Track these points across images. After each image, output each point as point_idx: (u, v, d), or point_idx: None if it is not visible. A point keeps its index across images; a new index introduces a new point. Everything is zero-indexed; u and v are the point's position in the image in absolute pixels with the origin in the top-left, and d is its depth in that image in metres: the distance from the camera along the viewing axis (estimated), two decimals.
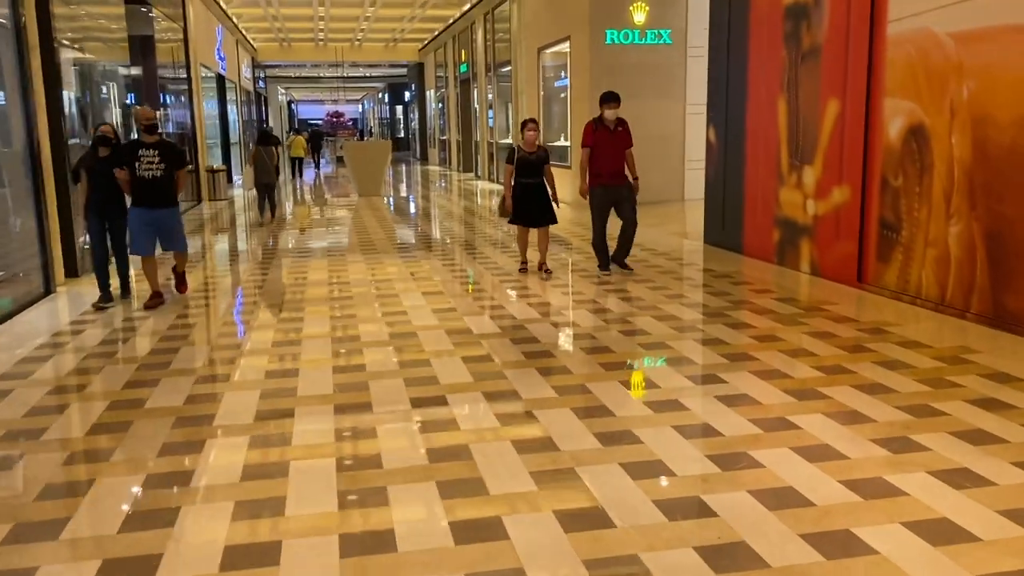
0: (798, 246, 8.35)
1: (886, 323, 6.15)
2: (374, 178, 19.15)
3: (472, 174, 25.63)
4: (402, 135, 48.50)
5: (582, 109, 14.78)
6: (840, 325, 6.11)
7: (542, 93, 18.00)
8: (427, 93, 35.40)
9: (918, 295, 6.73)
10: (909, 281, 6.84)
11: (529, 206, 8.26)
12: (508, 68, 20.54)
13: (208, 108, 22.12)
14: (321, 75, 44.94)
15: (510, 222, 8.49)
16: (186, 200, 17.48)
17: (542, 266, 8.44)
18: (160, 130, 8.42)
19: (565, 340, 5.92)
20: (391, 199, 18.69)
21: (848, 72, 7.48)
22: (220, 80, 23.29)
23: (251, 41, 31.33)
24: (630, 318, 6.51)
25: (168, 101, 18.06)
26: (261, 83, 39.77)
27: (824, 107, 7.83)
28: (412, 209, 17.02)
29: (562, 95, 17.57)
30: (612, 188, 8.18)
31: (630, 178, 8.26)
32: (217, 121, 23.20)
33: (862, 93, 7.28)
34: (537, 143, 8.28)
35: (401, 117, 49.67)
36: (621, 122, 8.23)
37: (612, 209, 8.30)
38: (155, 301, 7.32)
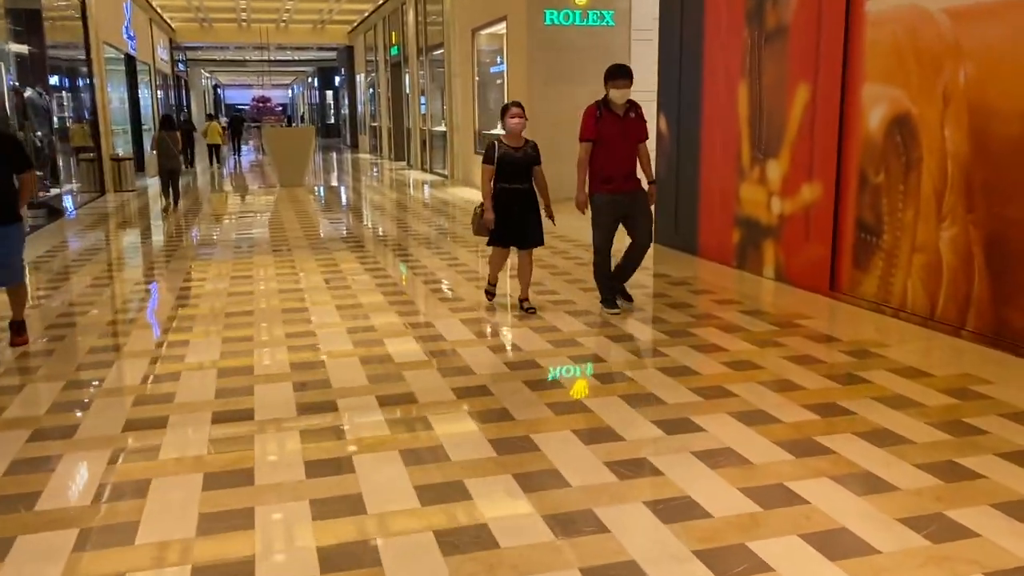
0: (761, 249, 7.52)
1: (872, 343, 5.32)
2: (297, 167, 17.84)
3: (404, 163, 24.43)
4: (332, 121, 46.83)
5: (519, 94, 13.79)
6: (821, 347, 5.27)
7: (477, 78, 16.94)
8: (357, 78, 33.96)
9: (902, 307, 5.94)
10: (891, 291, 6.05)
11: (512, 220, 6.13)
12: (441, 51, 19.41)
13: (115, 92, 20.45)
14: (247, 58, 42.97)
15: (488, 242, 6.30)
16: (86, 191, 15.99)
17: (523, 302, 6.32)
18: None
19: (493, 364, 4.94)
20: (315, 189, 17.42)
21: (820, 55, 6.64)
22: (130, 61, 21.56)
23: (168, 20, 29.41)
24: (580, 337, 5.56)
25: (64, 84, 16.49)
26: (181, 66, 37.66)
27: (792, 94, 6.99)
28: (337, 201, 15.80)
29: (498, 81, 16.54)
30: (623, 196, 6.05)
31: (644, 183, 6.25)
32: (126, 105, 21.49)
33: (836, 78, 6.46)
34: (525, 135, 6.20)
35: (331, 103, 47.97)
36: (633, 106, 6.13)
37: (620, 225, 6.25)
38: (21, 336, 5.66)
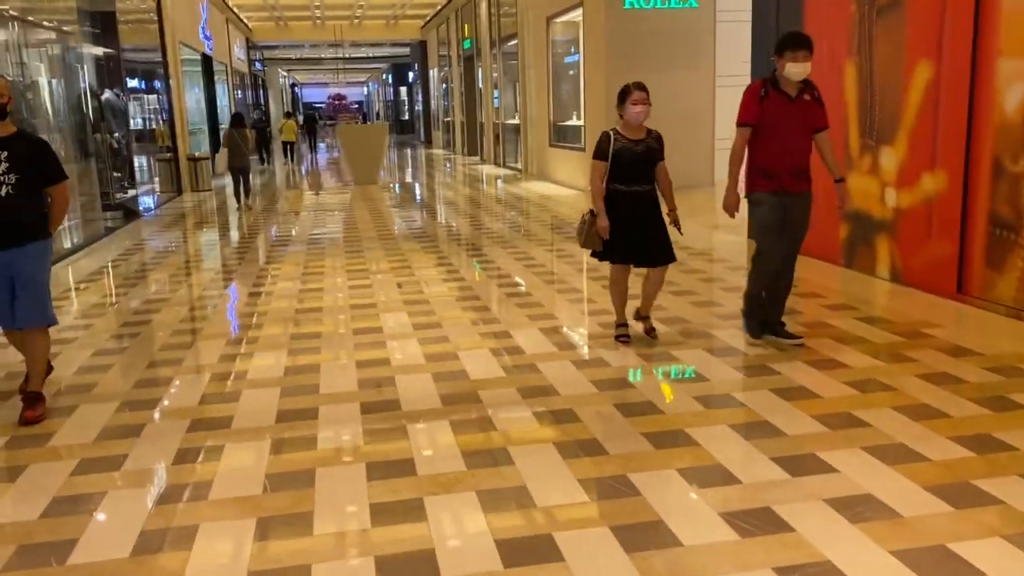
0: (873, 246, 6.77)
1: (1018, 357, 4.59)
2: (370, 164, 17.59)
3: (477, 157, 24.04)
4: (406, 117, 46.86)
5: (597, 83, 13.19)
6: (959, 362, 4.56)
7: (552, 68, 16.37)
8: (430, 73, 33.76)
9: None
10: None
11: (633, 231, 4.95)
12: (514, 42, 18.90)
13: (192, 92, 20.61)
14: (322, 56, 43.29)
15: (600, 257, 5.13)
16: (166, 192, 16.05)
17: (645, 320, 5.28)
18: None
19: (578, 383, 4.39)
20: (390, 186, 17.14)
21: (945, 27, 5.87)
22: (207, 61, 21.72)
23: (244, 20, 29.70)
24: (675, 350, 4.97)
25: (141, 85, 16.61)
26: (258, 65, 38.14)
27: (910, 72, 6.23)
28: (411, 199, 15.47)
29: (571, 71, 15.95)
30: (788, 199, 4.83)
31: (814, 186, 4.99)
32: (203, 106, 21.67)
33: (965, 53, 5.68)
34: (646, 124, 5.05)
35: (405, 99, 48.00)
36: (809, 87, 4.82)
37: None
38: (35, 410, 4.19)
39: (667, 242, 5.05)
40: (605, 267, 7.19)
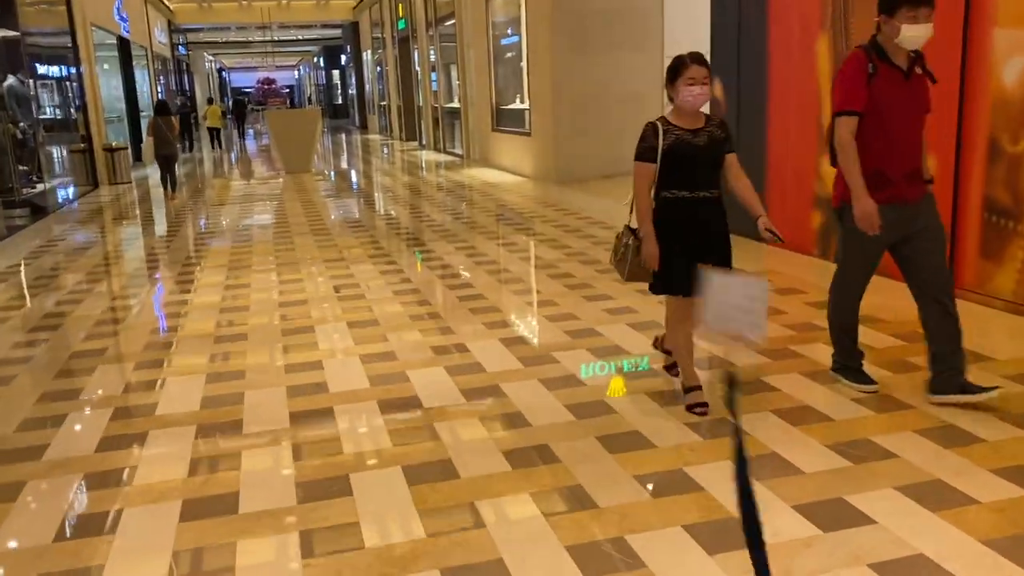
0: None
1: None
2: (302, 152, 16.65)
3: (416, 143, 23.19)
4: (340, 102, 45.54)
5: (542, 64, 12.54)
6: (973, 367, 4.07)
7: (492, 50, 15.64)
8: (363, 55, 32.64)
9: None
10: None
11: (695, 251, 3.63)
12: (452, 22, 18.10)
13: (108, 78, 19.31)
14: (250, 39, 41.69)
15: (656, 290, 3.89)
16: (81, 184, 14.89)
17: (668, 356, 4.17)
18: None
19: (552, 409, 3.77)
20: (323, 176, 16.23)
21: None
22: (124, 45, 20.38)
23: (164, 1, 28.16)
24: (658, 359, 4.39)
25: (47, 72, 15.37)
26: (182, 49, 36.44)
27: None
28: (347, 188, 14.62)
29: (509, 54, 15.26)
30: (906, 210, 3.67)
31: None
32: (121, 93, 20.35)
33: (956, 23, 5.20)
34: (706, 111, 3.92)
35: (338, 82, 46.65)
36: (919, 58, 3.65)
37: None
38: None
39: (730, 262, 3.81)
40: (569, 265, 6.62)
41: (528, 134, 13.54)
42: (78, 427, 3.93)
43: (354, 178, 16.34)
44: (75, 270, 7.84)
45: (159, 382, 4.46)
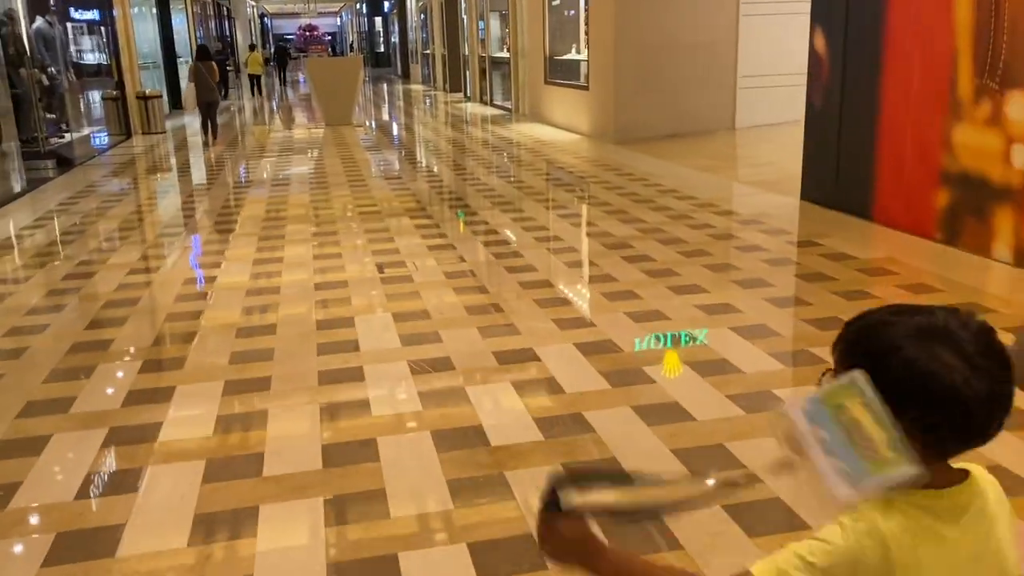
0: (987, 219, 5.28)
1: None
2: (343, 103, 15.74)
3: (460, 94, 22.14)
4: (382, 50, 44.39)
5: (603, 10, 11.45)
6: None
7: None
8: (407, 2, 31.44)
9: None
10: None
11: None
12: None
13: (144, 22, 18.52)
14: None
15: None
16: (113, 134, 14.23)
17: None
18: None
19: (657, 449, 2.93)
20: (365, 129, 15.36)
21: None
22: None
23: None
24: (779, 388, 3.51)
25: (77, 14, 14.66)
26: None
27: None
28: (390, 145, 13.75)
29: (555, 2, 14.13)
30: None
31: None
32: (157, 37, 19.56)
33: None
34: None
35: (380, 30, 45.45)
36: None
37: None
38: None
39: None
40: (645, 244, 5.71)
41: (585, 87, 12.49)
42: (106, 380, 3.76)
43: (397, 132, 15.45)
44: (91, 235, 7.12)
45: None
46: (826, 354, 1.16)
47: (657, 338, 4.05)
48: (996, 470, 1.14)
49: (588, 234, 6.47)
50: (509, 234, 6.50)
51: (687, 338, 4.03)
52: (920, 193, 5.83)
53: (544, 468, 2.89)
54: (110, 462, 3.10)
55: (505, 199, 7.90)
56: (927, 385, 0.99)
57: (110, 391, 3.72)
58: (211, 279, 5.55)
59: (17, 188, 9.29)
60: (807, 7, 7.87)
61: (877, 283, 4.83)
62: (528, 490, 2.74)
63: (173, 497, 2.82)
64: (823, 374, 1.08)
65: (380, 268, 5.54)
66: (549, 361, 3.83)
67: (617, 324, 4.28)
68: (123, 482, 2.93)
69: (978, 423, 1.01)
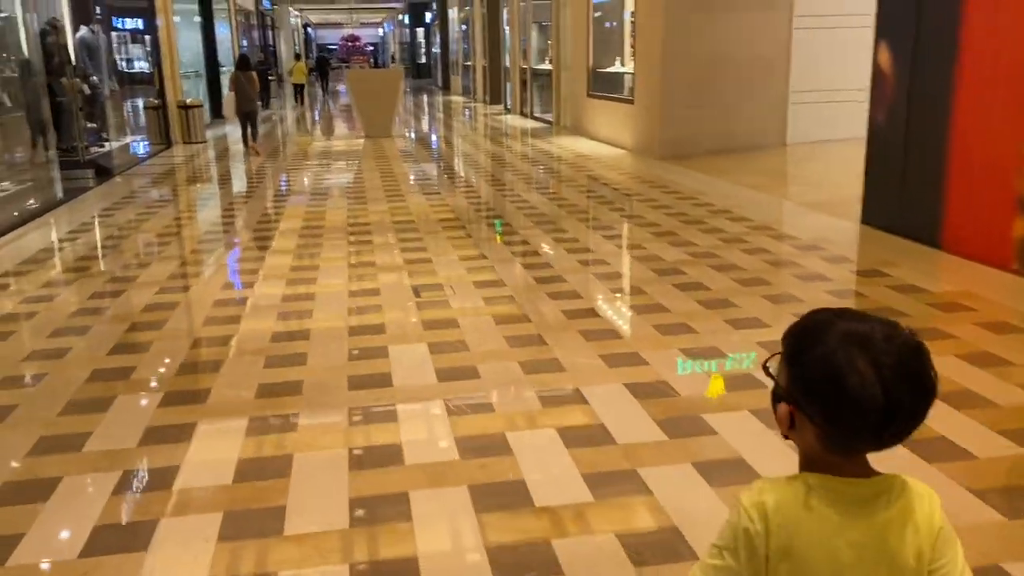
0: None
1: None
2: (383, 115, 15.59)
3: (500, 106, 21.92)
4: (423, 61, 44.50)
5: (653, 23, 11.12)
6: None
7: (591, 6, 14.22)
8: (449, 13, 31.41)
9: None
10: None
11: None
12: None
13: (187, 31, 18.61)
14: None
15: None
16: (154, 143, 14.22)
17: None
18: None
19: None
20: (404, 141, 15.17)
21: None
22: None
23: None
24: None
25: (121, 23, 14.71)
26: (267, 3, 35.80)
27: None
28: (431, 158, 13.55)
29: (609, 12, 13.82)
30: None
31: None
32: (201, 47, 19.64)
33: None
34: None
35: (422, 41, 45.59)
36: None
37: None
38: None
39: None
40: (697, 271, 5.37)
41: (630, 101, 12.16)
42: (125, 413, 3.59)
43: (437, 144, 15.25)
44: (124, 249, 6.97)
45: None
46: None
47: (717, 380, 3.71)
48: None
49: (635, 258, 6.14)
50: (551, 255, 6.20)
51: (750, 381, 3.68)
52: (996, 219, 5.42)
53: (596, 537, 2.58)
54: (120, 513, 2.84)
55: (547, 217, 7.60)
56: (833, 382, 1.09)
57: (127, 427, 3.48)
58: (242, 300, 5.32)
59: (56, 197, 9.21)
60: (865, 21, 7.48)
61: (954, 321, 4.43)
62: (578, 564, 2.42)
63: (185, 558, 2.55)
64: (767, 360, 1.23)
65: (416, 292, 5.27)
66: (597, 404, 3.51)
67: (671, 362, 3.95)
68: (132, 539, 2.67)
69: (872, 428, 1.10)
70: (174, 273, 6.06)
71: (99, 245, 7.22)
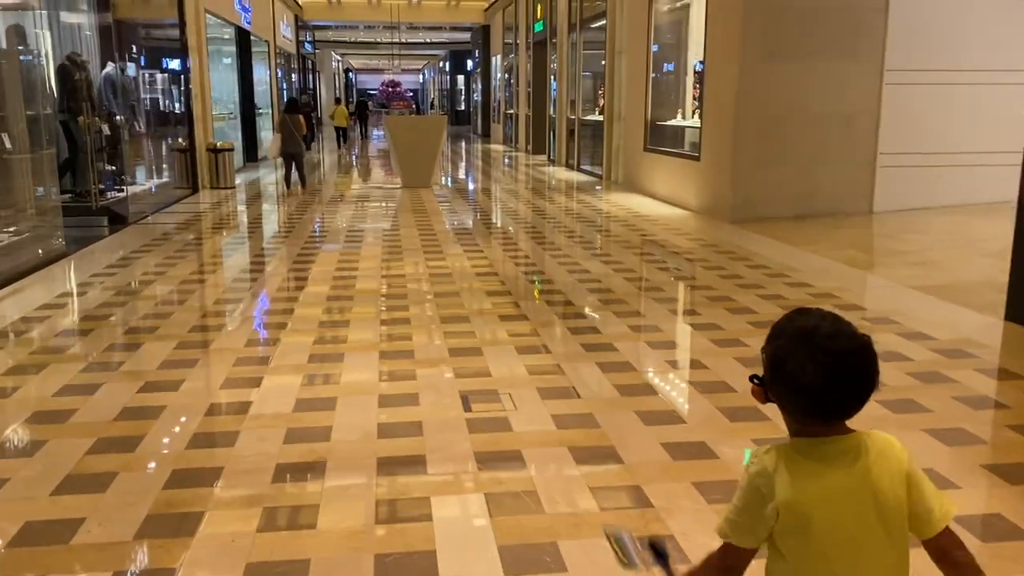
0: None
1: None
2: (423, 164, 14.58)
3: (543, 157, 20.95)
4: (463, 108, 44.04)
5: (723, 73, 10.04)
6: None
7: (651, 55, 13.21)
8: (492, 60, 30.78)
9: None
10: None
11: None
12: (600, 23, 15.80)
13: (223, 72, 17.96)
14: (377, 40, 40.71)
15: None
16: (178, 187, 13.37)
17: None
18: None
19: None
20: (444, 193, 14.15)
21: None
22: (242, 36, 19.01)
23: None
24: None
25: (151, 61, 14.00)
26: (308, 46, 35.56)
27: None
28: (474, 214, 12.49)
29: (675, 59, 12.81)
30: None
31: None
32: (236, 88, 18.98)
33: None
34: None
35: (462, 88, 45.21)
36: None
37: None
38: None
39: None
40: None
41: (695, 157, 11.05)
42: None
43: (480, 198, 14.22)
44: (106, 332, 5.90)
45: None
46: None
47: None
48: None
49: (738, 359, 4.87)
50: (631, 350, 5.00)
51: None
52: None
53: None
54: None
55: (615, 295, 6.43)
56: (781, 370, 1.44)
57: (123, 516, 2.39)
58: (241, 410, 4.19)
59: (57, 248, 8.19)
60: (976, 77, 6.30)
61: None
62: None
63: None
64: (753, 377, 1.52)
65: (466, 403, 4.10)
66: (663, 506, 2.29)
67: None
68: None
69: (817, 405, 1.44)
70: (167, 361, 4.91)
71: (76, 319, 6.05)
